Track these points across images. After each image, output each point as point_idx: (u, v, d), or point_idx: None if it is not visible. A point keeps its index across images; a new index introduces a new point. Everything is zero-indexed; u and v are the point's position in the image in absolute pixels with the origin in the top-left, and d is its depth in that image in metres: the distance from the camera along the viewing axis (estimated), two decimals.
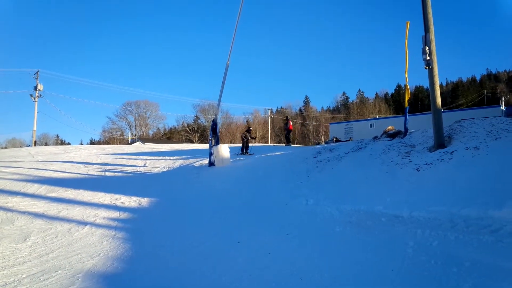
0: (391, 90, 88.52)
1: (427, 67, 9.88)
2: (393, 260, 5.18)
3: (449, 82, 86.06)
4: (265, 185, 10.70)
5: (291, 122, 24.40)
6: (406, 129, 12.41)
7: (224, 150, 14.24)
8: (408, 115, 12.65)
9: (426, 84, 74.80)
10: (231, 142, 54.75)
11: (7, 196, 10.78)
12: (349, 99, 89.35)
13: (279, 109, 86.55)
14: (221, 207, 9.21)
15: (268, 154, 15.71)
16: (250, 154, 17.55)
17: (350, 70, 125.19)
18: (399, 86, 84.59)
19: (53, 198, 10.63)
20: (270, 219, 7.93)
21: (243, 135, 18.66)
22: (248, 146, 18.47)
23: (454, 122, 11.85)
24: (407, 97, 12.45)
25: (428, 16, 9.89)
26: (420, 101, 78.89)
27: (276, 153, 15.64)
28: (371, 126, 30.86)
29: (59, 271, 5.48)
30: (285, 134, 23.26)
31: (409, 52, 11.95)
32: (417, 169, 8.79)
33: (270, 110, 66.35)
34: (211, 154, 14.41)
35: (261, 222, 7.82)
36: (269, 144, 42.10)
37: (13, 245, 6.75)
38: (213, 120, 15.54)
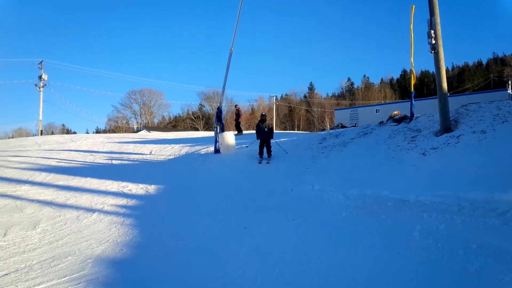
0: (396, 75, 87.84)
1: (432, 51, 9.81)
2: (399, 244, 5.20)
3: (455, 66, 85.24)
4: (270, 171, 10.72)
5: (241, 112, 24.12)
6: (412, 114, 12.37)
7: (229, 137, 14.21)
8: (414, 100, 12.59)
9: (431, 68, 74.13)
10: None
11: (16, 185, 10.89)
12: (354, 85, 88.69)
13: (283, 95, 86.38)
14: (227, 193, 9.25)
15: (273, 141, 15.73)
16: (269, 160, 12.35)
17: (355, 55, 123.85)
18: (404, 71, 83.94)
19: (61, 186, 10.72)
20: (276, 205, 7.96)
21: (263, 128, 12.50)
22: (270, 146, 12.54)
23: (460, 106, 11.78)
24: (412, 82, 12.38)
25: (433, 0, 9.77)
26: (426, 86, 78.26)
27: (282, 139, 15.62)
28: (376, 112, 30.73)
29: (69, 257, 5.56)
30: (235, 124, 22.39)
31: (415, 36, 11.87)
32: (423, 153, 8.78)
33: (274, 97, 66.19)
34: (216, 141, 14.42)
35: (267, 208, 7.86)
36: (274, 131, 41.89)
37: (23, 232, 6.83)
38: (218, 108, 15.47)
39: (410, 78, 12.59)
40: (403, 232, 5.59)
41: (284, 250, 5.49)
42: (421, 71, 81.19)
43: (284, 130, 62.05)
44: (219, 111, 15.17)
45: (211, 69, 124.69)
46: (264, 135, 12.37)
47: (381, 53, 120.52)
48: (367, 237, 5.64)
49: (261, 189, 9.35)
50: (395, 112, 14.28)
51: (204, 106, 78.16)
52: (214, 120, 15.38)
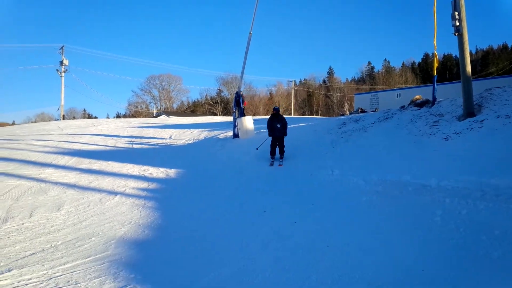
0: (418, 59, 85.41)
1: (456, 33, 9.53)
2: (420, 229, 5.17)
3: (479, 49, 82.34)
4: (290, 156, 10.70)
5: (244, 97, 23.38)
6: (434, 98, 12.11)
7: (248, 122, 14.21)
8: (436, 84, 12.32)
9: (454, 52, 72.17)
10: (254, 114, 54.72)
11: (40, 168, 11.15)
12: (375, 69, 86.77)
13: (302, 80, 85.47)
14: (246, 177, 9.31)
15: (292, 126, 15.66)
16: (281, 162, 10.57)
17: (375, 39, 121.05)
18: (426, 55, 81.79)
19: (83, 169, 10.94)
20: (295, 190, 7.97)
21: (275, 124, 10.68)
22: (283, 146, 10.75)
23: (484, 90, 11.48)
24: (435, 65, 12.10)
25: None
26: (449, 69, 76.30)
27: (300, 124, 15.56)
28: (397, 96, 30.13)
29: (93, 238, 5.72)
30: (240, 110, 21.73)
31: (438, 18, 11.53)
32: (445, 138, 8.62)
33: (293, 82, 65.78)
34: (235, 126, 14.45)
35: (286, 192, 7.88)
36: (292, 116, 41.99)
37: (48, 214, 7.03)
38: (237, 92, 15.43)
39: (432, 62, 12.35)
40: (424, 217, 5.54)
41: (303, 234, 5.52)
42: (444, 55, 79.04)
43: (303, 115, 61.74)
44: (238, 95, 15.13)
45: (229, 54, 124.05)
46: (277, 132, 10.67)
47: (403, 36, 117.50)
48: (387, 222, 5.61)
49: (279, 173, 9.37)
50: (417, 97, 14.02)
51: (222, 91, 78.12)
52: (233, 105, 15.38)
